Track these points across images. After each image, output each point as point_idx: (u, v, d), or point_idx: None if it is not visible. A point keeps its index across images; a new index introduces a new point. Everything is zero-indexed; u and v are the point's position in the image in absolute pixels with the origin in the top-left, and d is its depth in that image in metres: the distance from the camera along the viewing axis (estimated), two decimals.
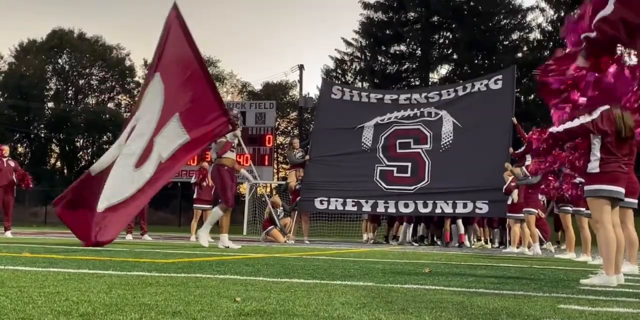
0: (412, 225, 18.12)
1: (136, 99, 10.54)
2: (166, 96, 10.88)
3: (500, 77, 17.46)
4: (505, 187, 14.45)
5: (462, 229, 17.33)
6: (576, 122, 5.91)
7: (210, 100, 11.15)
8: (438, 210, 16.63)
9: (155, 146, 10.78)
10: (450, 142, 17.11)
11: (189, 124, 10.94)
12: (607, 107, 5.84)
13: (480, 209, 16.13)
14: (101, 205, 10.33)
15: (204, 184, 16.48)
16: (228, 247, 11.25)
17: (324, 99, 19.13)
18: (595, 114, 5.83)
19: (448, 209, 16.48)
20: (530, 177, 13.38)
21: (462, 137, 16.96)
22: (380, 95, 18.75)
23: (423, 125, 17.52)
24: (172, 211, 41.76)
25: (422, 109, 17.76)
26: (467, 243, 17.38)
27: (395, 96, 18.58)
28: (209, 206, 16.65)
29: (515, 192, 14.06)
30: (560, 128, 6.00)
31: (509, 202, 14.34)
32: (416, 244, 17.54)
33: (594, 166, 5.89)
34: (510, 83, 17.22)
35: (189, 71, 11.12)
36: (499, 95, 17.03)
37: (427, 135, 17.34)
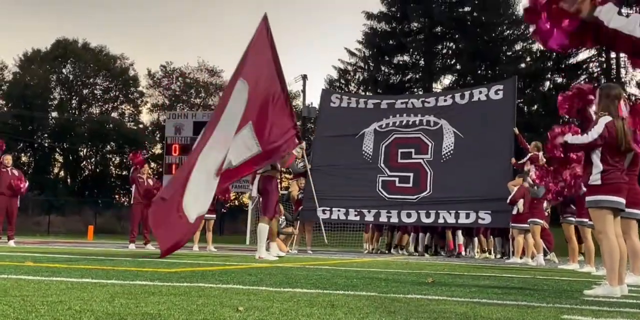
0: (424, 234, 18.04)
1: (217, 103, 10.62)
2: (248, 105, 10.77)
3: (501, 87, 17.48)
4: (510, 197, 14.43)
5: (461, 239, 17.29)
6: (585, 139, 5.91)
7: (287, 114, 11.28)
8: (441, 220, 16.62)
9: (228, 154, 10.67)
10: (452, 152, 17.11)
11: (262, 135, 10.88)
12: (609, 118, 5.84)
13: (483, 219, 16.11)
14: (192, 215, 10.14)
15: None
16: (278, 256, 11.28)
17: (324, 108, 19.19)
18: (600, 128, 5.83)
19: (451, 219, 16.46)
20: (536, 188, 13.37)
21: (464, 148, 16.96)
22: (377, 100, 18.88)
23: (423, 134, 17.53)
24: None
25: (419, 116, 17.76)
26: (464, 253, 17.34)
27: (392, 101, 18.67)
28: (211, 216, 16.65)
29: (521, 202, 14.04)
30: (576, 140, 5.99)
31: (514, 212, 14.32)
32: (427, 254, 17.52)
33: (596, 178, 5.89)
34: (512, 93, 17.24)
35: (269, 82, 11.14)
36: (499, 106, 17.06)
37: (429, 146, 17.34)
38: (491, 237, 17.85)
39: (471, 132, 16.99)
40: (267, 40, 11.20)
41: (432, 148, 17.30)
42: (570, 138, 6.09)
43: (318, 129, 19.35)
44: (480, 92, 17.52)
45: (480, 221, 16.22)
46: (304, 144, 11.61)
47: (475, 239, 17.78)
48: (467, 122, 17.13)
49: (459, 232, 17.25)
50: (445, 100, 17.81)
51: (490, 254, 17.47)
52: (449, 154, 17.13)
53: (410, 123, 17.81)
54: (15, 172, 15.84)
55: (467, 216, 16.25)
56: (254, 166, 11.01)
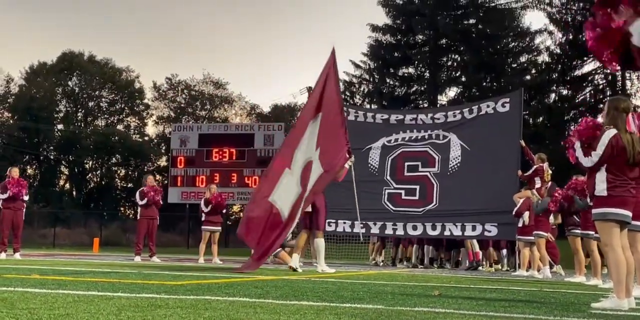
0: (429, 246, 17.98)
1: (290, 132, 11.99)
2: (319, 134, 11.35)
3: (507, 100, 17.47)
4: (515, 210, 14.40)
5: (477, 247, 17.05)
6: (585, 163, 5.93)
7: (342, 133, 11.79)
8: (447, 233, 16.60)
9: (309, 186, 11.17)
10: (459, 164, 17.11)
11: (326, 158, 11.42)
12: (614, 132, 5.83)
13: (490, 231, 16.09)
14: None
15: (212, 205, 16.47)
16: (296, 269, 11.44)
17: None
18: (602, 146, 5.82)
19: (457, 232, 16.44)
20: (541, 201, 13.35)
21: (470, 160, 16.96)
22: (386, 116, 18.77)
23: (431, 147, 17.52)
24: (180, 233, 41.72)
25: (429, 131, 17.75)
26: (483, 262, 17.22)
27: (401, 116, 18.61)
28: (217, 228, 16.67)
29: (527, 214, 14.01)
30: (579, 157, 6.01)
31: (520, 224, 14.28)
32: (434, 266, 17.43)
33: (601, 189, 5.88)
34: (518, 106, 17.25)
35: (332, 106, 11.69)
36: (506, 118, 17.05)
37: (436, 159, 17.33)
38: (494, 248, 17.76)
39: (478, 145, 16.99)
40: (333, 69, 11.87)
41: (439, 161, 17.29)
42: (577, 152, 6.08)
43: None
44: (488, 106, 17.51)
45: (486, 233, 16.19)
46: (353, 158, 11.96)
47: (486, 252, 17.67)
48: (475, 135, 17.13)
49: (474, 241, 17.09)
50: (455, 116, 17.78)
51: (498, 265, 17.41)
52: (455, 166, 17.12)
53: (419, 138, 17.80)
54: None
55: (474, 229, 16.23)
56: (322, 188, 11.51)
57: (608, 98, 6.07)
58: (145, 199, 16.29)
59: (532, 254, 14.10)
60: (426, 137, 17.73)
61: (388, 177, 17.57)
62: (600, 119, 6.33)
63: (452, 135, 17.47)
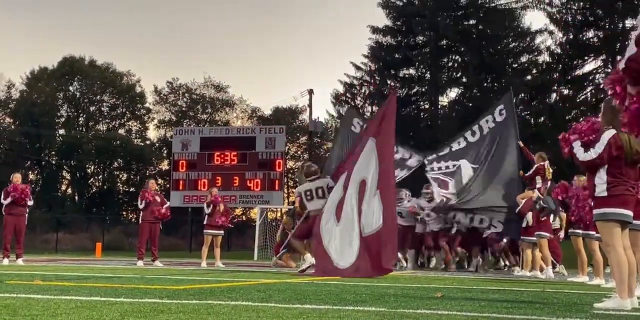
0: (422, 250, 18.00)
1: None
2: (380, 163, 11.71)
3: (502, 106, 17.46)
4: (518, 209, 14.41)
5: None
6: (584, 157, 5.94)
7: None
8: (455, 219, 16.55)
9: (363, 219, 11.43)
10: (472, 182, 17.10)
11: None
12: (613, 132, 5.84)
13: (496, 227, 16.05)
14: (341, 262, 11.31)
15: (215, 209, 16.45)
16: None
17: (345, 129, 19.05)
18: (602, 146, 5.84)
19: (465, 220, 16.34)
20: (542, 201, 13.34)
21: (479, 172, 17.01)
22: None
23: (442, 175, 17.54)
24: (183, 237, 41.74)
25: (437, 164, 17.79)
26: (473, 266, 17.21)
27: (407, 156, 18.50)
28: (219, 232, 16.66)
29: (530, 215, 14.01)
30: (578, 154, 6.01)
31: (524, 225, 14.28)
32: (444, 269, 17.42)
33: (601, 190, 5.89)
34: (511, 108, 17.32)
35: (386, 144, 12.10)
36: (505, 125, 17.12)
37: (448, 182, 17.30)
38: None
39: (486, 158, 17.03)
40: (393, 111, 12.30)
41: (453, 184, 17.26)
42: (575, 148, 6.10)
43: (335, 150, 19.01)
44: (487, 121, 17.45)
45: (492, 229, 16.12)
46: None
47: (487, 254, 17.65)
48: (482, 152, 17.16)
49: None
50: (459, 144, 17.73)
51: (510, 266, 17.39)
52: (469, 186, 17.07)
53: (427, 170, 17.80)
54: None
55: (481, 221, 16.15)
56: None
57: (606, 98, 6.05)
58: (143, 202, 16.32)
59: (534, 255, 14.10)
60: (435, 168, 17.73)
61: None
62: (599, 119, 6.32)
63: (461, 161, 17.44)
